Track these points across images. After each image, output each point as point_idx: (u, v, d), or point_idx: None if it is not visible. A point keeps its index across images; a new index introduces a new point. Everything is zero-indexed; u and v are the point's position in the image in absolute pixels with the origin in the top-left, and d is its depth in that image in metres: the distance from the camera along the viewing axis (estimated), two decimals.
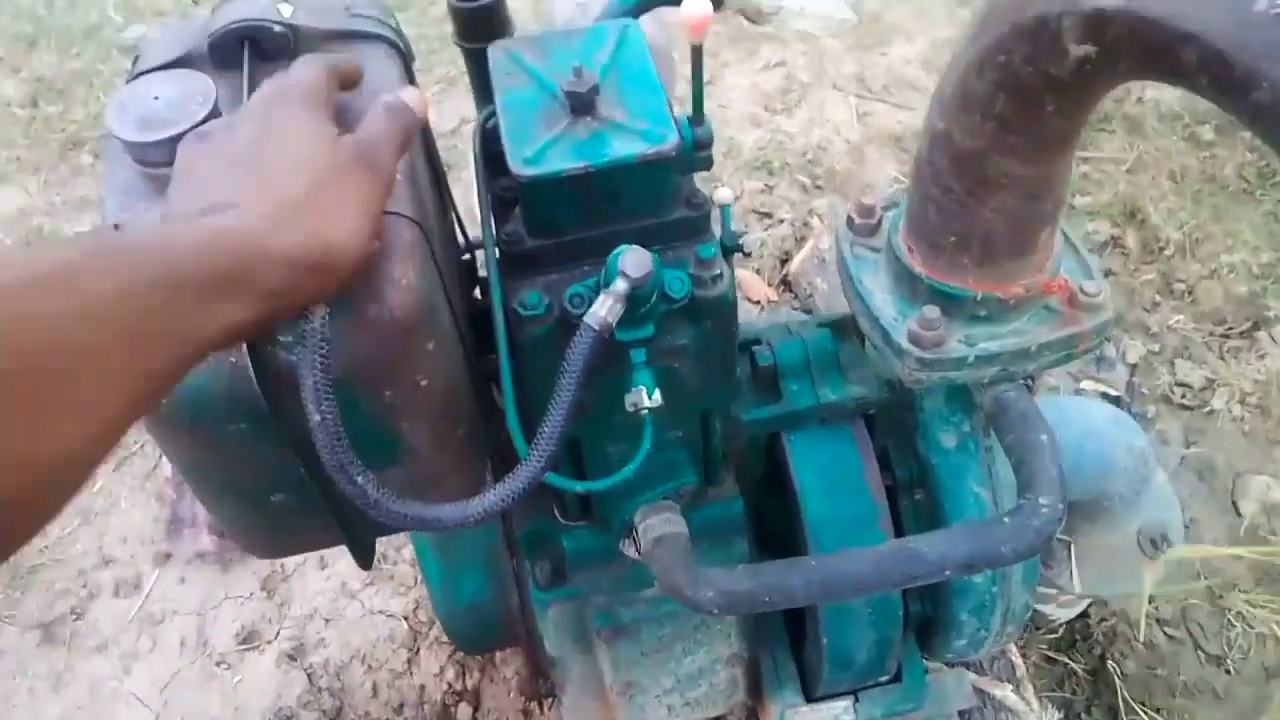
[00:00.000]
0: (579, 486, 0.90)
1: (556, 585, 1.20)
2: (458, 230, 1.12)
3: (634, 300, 0.83)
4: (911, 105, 2.69)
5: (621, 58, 0.96)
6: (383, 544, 1.98)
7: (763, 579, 0.99)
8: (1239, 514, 2.12)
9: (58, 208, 2.67)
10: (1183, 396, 2.27)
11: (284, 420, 0.75)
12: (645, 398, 0.87)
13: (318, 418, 0.68)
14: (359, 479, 0.70)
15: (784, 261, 2.32)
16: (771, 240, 2.34)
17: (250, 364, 0.71)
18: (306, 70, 0.70)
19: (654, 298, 0.86)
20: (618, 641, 1.22)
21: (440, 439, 0.84)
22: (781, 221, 2.40)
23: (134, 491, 2.12)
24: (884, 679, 1.31)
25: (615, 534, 1.11)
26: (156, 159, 0.77)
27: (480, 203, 1.00)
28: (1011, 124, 0.88)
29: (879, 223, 1.16)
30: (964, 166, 0.95)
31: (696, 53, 0.88)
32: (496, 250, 0.95)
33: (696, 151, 0.94)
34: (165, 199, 0.66)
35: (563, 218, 0.92)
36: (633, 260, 0.78)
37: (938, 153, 0.96)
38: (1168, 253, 2.48)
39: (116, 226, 0.77)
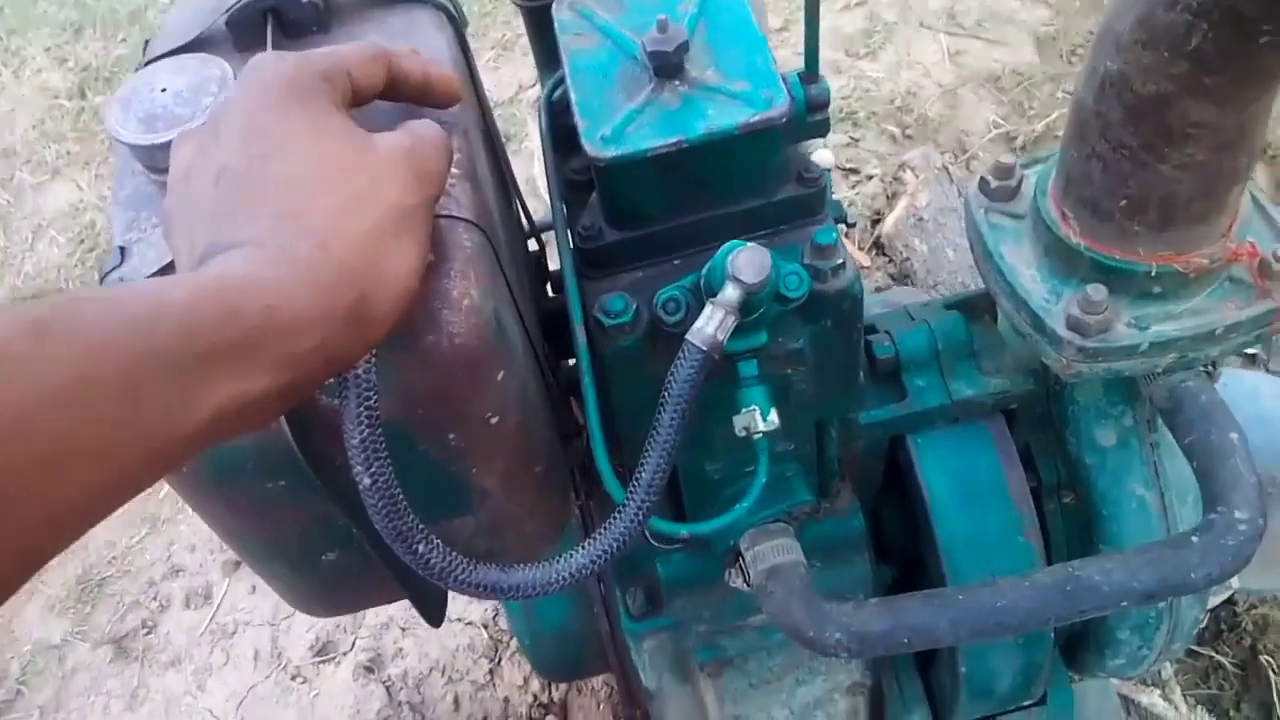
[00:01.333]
0: (684, 530, 0.75)
1: (651, 615, 1.06)
2: (522, 216, 0.97)
3: (745, 308, 0.67)
4: (1008, 41, 2.45)
5: (711, 5, 0.79)
6: None
7: (901, 618, 0.84)
8: None
9: (110, 203, 2.59)
10: None
11: (328, 475, 0.62)
12: (759, 420, 0.72)
13: (368, 480, 0.54)
14: (421, 547, 0.57)
15: (875, 222, 2.13)
16: (860, 199, 2.15)
17: (285, 419, 0.58)
18: (324, 53, 0.54)
19: (767, 301, 0.71)
20: (723, 675, 1.08)
21: (516, 480, 0.70)
22: (870, 178, 2.20)
23: None
24: (1026, 703, 1.15)
25: (719, 563, 0.96)
26: (168, 164, 0.63)
27: (550, 191, 0.85)
28: (1211, 61, 0.70)
29: (1019, 184, 0.98)
30: (1143, 115, 0.77)
31: None
32: (570, 247, 0.81)
33: (810, 115, 0.78)
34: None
35: (649, 205, 0.77)
36: (748, 263, 0.62)
37: (1108, 100, 0.78)
38: None
39: (123, 251, 0.63)
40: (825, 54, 2.47)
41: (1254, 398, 1.23)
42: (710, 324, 0.62)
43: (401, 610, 1.82)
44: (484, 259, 0.62)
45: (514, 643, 1.72)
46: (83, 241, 2.51)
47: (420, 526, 0.57)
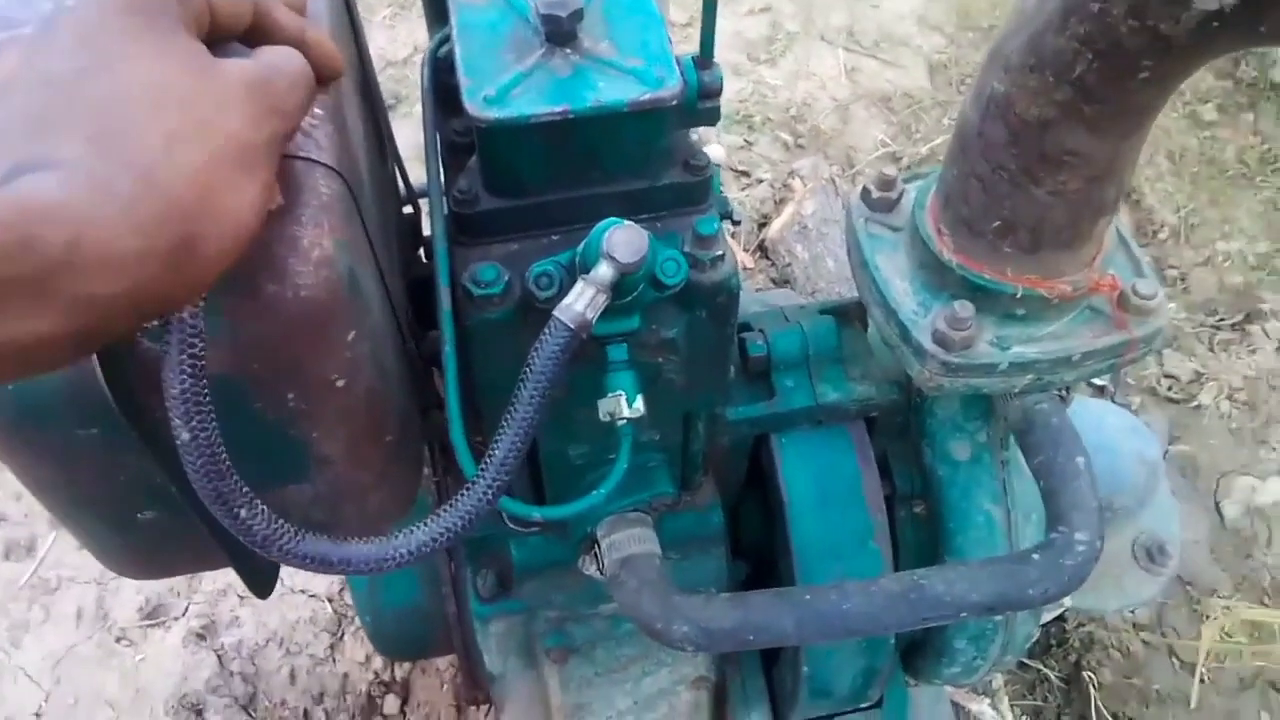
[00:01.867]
0: (537, 514, 0.73)
1: (501, 598, 1.03)
2: (399, 179, 0.93)
3: (618, 288, 0.65)
4: (902, 63, 2.51)
5: None
6: None
7: (749, 614, 0.84)
8: (1221, 515, 2.02)
9: None
10: (1170, 389, 2.16)
11: (146, 426, 0.57)
12: (625, 406, 0.70)
13: (187, 435, 0.50)
14: (243, 511, 0.52)
15: (761, 225, 2.14)
16: (750, 201, 2.16)
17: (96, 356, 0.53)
18: None
19: (641, 284, 0.69)
20: (569, 662, 1.06)
21: (361, 449, 0.66)
22: (760, 182, 2.22)
23: None
24: (864, 705, 1.18)
25: (574, 548, 0.94)
26: None
27: (427, 150, 0.81)
28: (1092, 90, 0.71)
29: (899, 197, 0.99)
30: (1024, 138, 0.78)
31: None
32: (445, 210, 0.77)
33: (701, 101, 0.76)
34: None
35: (530, 174, 0.74)
36: (624, 241, 0.60)
37: (992, 121, 0.79)
38: (1162, 236, 2.36)
39: None
40: (727, 56, 2.47)
41: (1099, 427, 1.28)
42: (580, 301, 0.60)
43: None
44: (342, 208, 0.58)
45: (359, 618, 1.66)
46: None
47: (244, 489, 0.53)
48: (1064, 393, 0.95)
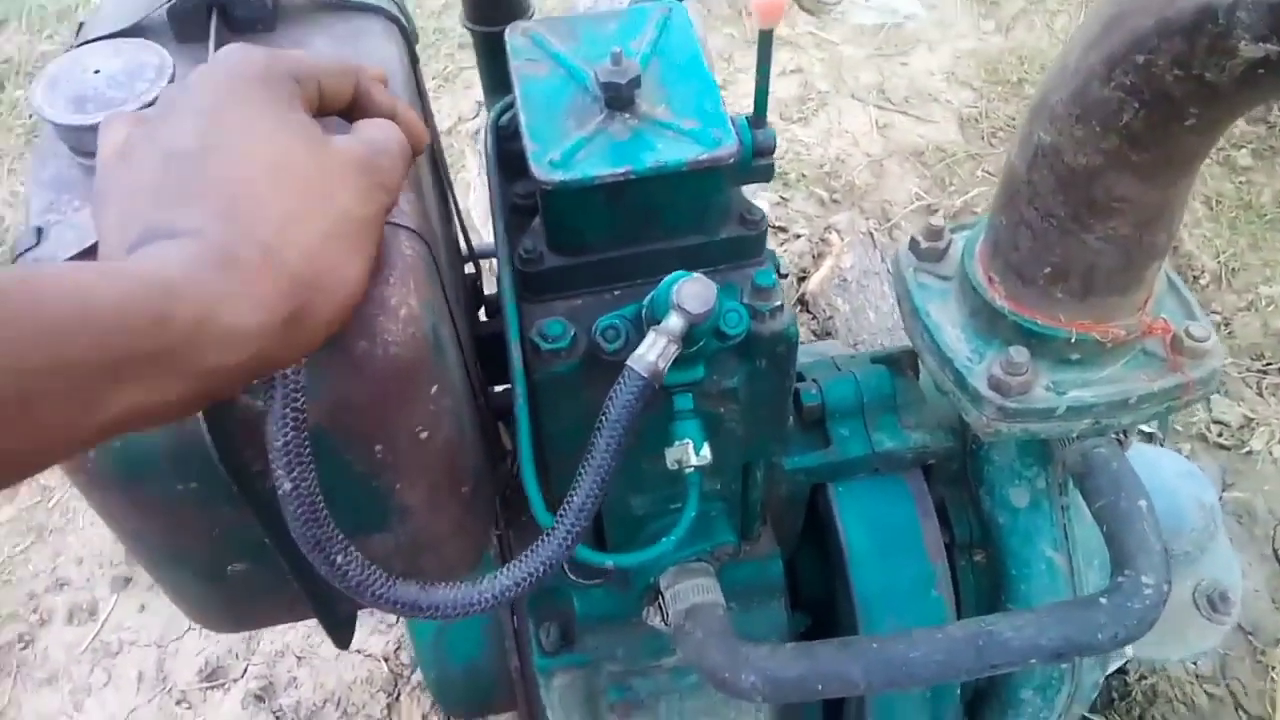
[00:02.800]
0: (608, 561, 0.75)
1: (564, 651, 1.04)
2: (460, 238, 0.97)
3: (687, 338, 0.67)
4: (933, 118, 2.55)
5: (665, 44, 0.81)
6: None
7: (816, 664, 0.84)
8: None
9: (21, 199, 2.49)
10: (1220, 435, 2.13)
11: (244, 479, 0.60)
12: (692, 454, 0.72)
13: (289, 486, 0.53)
14: (339, 559, 0.55)
15: (801, 279, 2.17)
16: (788, 256, 2.19)
17: (202, 413, 0.55)
18: (298, 55, 0.52)
19: (707, 335, 0.71)
20: (632, 717, 1.06)
21: (440, 499, 0.69)
22: (798, 237, 2.25)
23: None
24: None
25: (636, 599, 0.95)
26: (95, 148, 0.61)
27: (493, 213, 0.85)
28: (1139, 138, 0.73)
29: (947, 247, 1.01)
30: (1072, 187, 0.80)
31: (765, 40, 0.73)
32: (511, 270, 0.80)
33: (756, 159, 0.79)
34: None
35: (593, 233, 0.77)
36: (694, 294, 0.62)
37: (1040, 170, 0.81)
38: (1203, 282, 2.35)
39: (39, 231, 0.60)
40: None
41: (1154, 472, 1.28)
42: (652, 351, 0.62)
43: (299, 638, 1.75)
44: (424, 269, 0.61)
45: (415, 678, 1.67)
46: None
47: (340, 537, 0.55)
48: (1122, 436, 0.96)
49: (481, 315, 1.03)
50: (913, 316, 0.98)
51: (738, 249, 0.80)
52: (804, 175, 2.41)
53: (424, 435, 0.63)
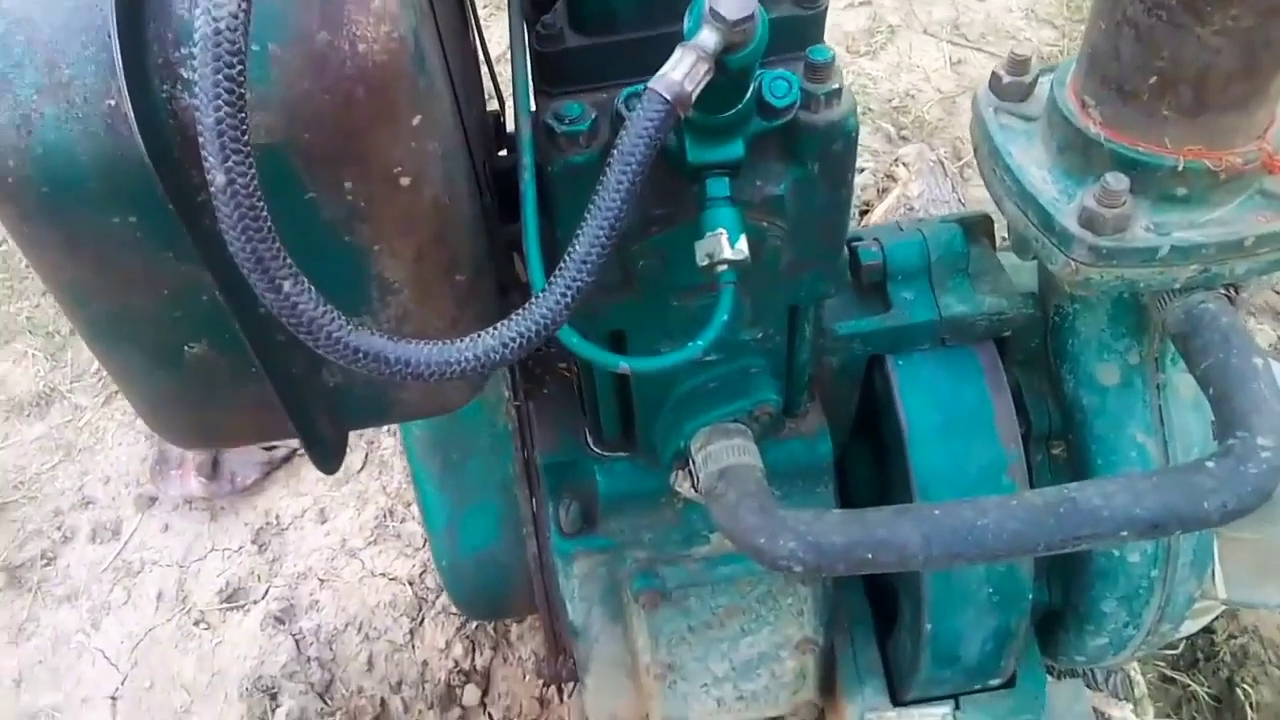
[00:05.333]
0: (621, 362, 0.64)
1: (585, 532, 0.94)
2: (480, 55, 0.87)
3: (719, 93, 0.56)
4: None
5: None
6: (390, 498, 1.73)
7: (867, 529, 0.73)
8: None
9: None
10: None
11: (188, 208, 0.50)
12: (726, 246, 0.61)
13: (222, 178, 0.43)
14: (287, 284, 0.45)
15: (864, 213, 2.04)
16: None
17: (130, 109, 0.46)
18: None
19: (748, 95, 0.60)
20: (659, 610, 0.96)
21: (428, 279, 0.59)
22: (862, 170, 2.12)
23: (123, 428, 1.90)
24: (994, 682, 1.03)
25: (665, 464, 0.85)
26: None
27: (510, 7, 0.75)
28: None
29: (1033, 84, 0.89)
30: None
31: None
32: (527, 52, 0.70)
33: None
34: None
35: (621, 3, 0.66)
36: None
37: None
38: None
39: None
40: None
41: None
42: (678, 69, 0.52)
43: (323, 560, 1.68)
44: None
45: (439, 601, 1.58)
46: None
47: (287, 260, 0.45)
48: (1232, 292, 0.83)
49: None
50: (992, 158, 0.86)
51: (793, 32, 0.69)
52: (870, 109, 2.28)
53: (405, 181, 0.53)
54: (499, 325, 0.50)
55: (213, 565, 1.72)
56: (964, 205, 1.96)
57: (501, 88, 0.96)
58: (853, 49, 2.41)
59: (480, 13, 2.63)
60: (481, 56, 0.86)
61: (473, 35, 0.84)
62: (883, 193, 2.09)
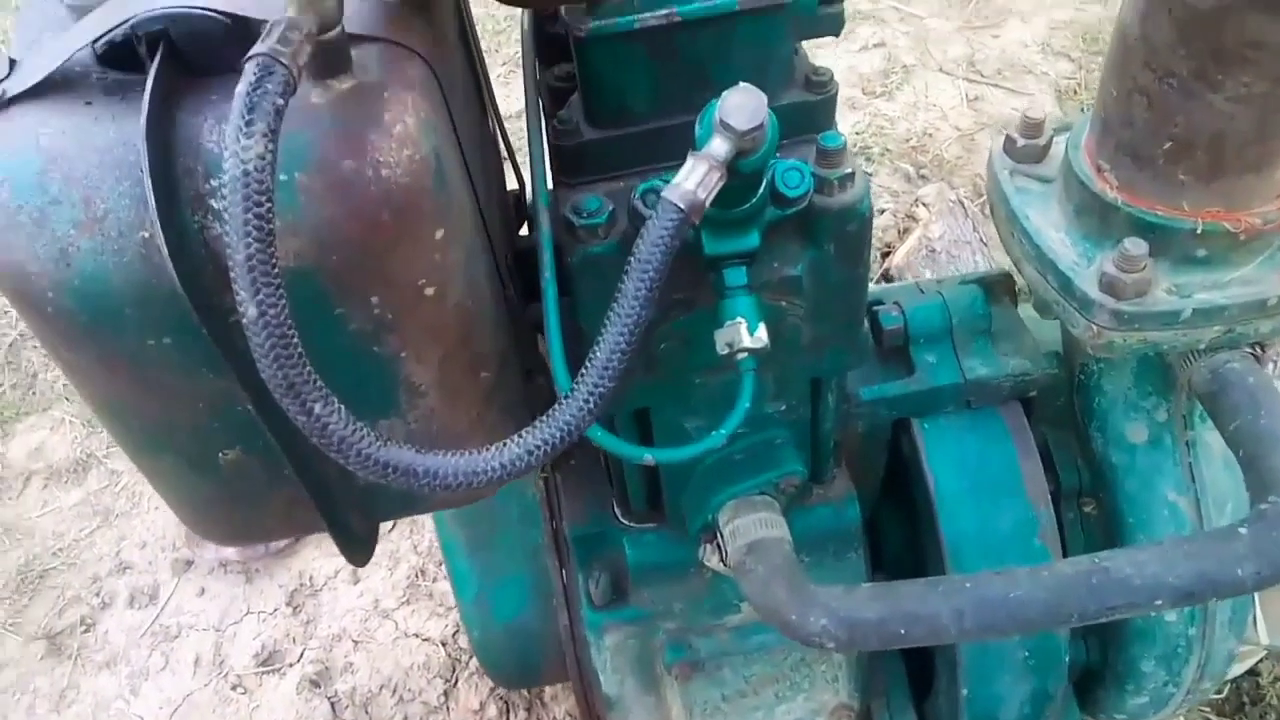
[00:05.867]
0: (646, 455, 0.64)
1: (615, 604, 0.94)
2: (500, 139, 0.89)
3: (733, 192, 0.57)
4: (1028, 91, 2.40)
5: None
6: (421, 557, 1.74)
7: (898, 603, 0.73)
8: None
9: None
10: None
11: (220, 329, 0.52)
12: (745, 334, 0.62)
13: (254, 311, 0.44)
14: (317, 407, 0.46)
15: (885, 255, 2.04)
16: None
17: (163, 240, 0.48)
18: None
19: (762, 189, 0.61)
20: (693, 681, 0.95)
21: (454, 381, 0.60)
22: (882, 212, 2.12)
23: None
24: None
25: (693, 538, 0.85)
26: None
27: (526, 92, 0.77)
28: None
29: (1048, 145, 0.89)
30: (1196, 33, 0.68)
31: None
32: (545, 145, 0.72)
33: (822, 5, 0.69)
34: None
35: (634, 96, 0.68)
36: (739, 105, 0.53)
37: (1156, 19, 0.70)
38: None
39: (12, 63, 0.54)
40: (842, 91, 2.40)
41: None
42: (690, 179, 0.53)
43: (356, 621, 1.69)
44: (427, 90, 0.53)
45: (473, 663, 1.58)
46: None
47: (317, 382, 0.46)
48: (1259, 350, 0.82)
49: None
50: (1009, 222, 0.86)
51: (802, 118, 0.70)
52: (888, 150, 2.29)
53: (429, 291, 0.54)
54: (525, 433, 0.51)
55: (249, 628, 1.73)
56: (985, 244, 1.95)
57: (518, 163, 0.97)
58: (869, 90, 2.42)
59: (499, 69, 2.64)
60: (500, 137, 0.87)
61: (491, 121, 0.85)
62: (904, 234, 2.09)
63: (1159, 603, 0.71)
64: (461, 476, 0.49)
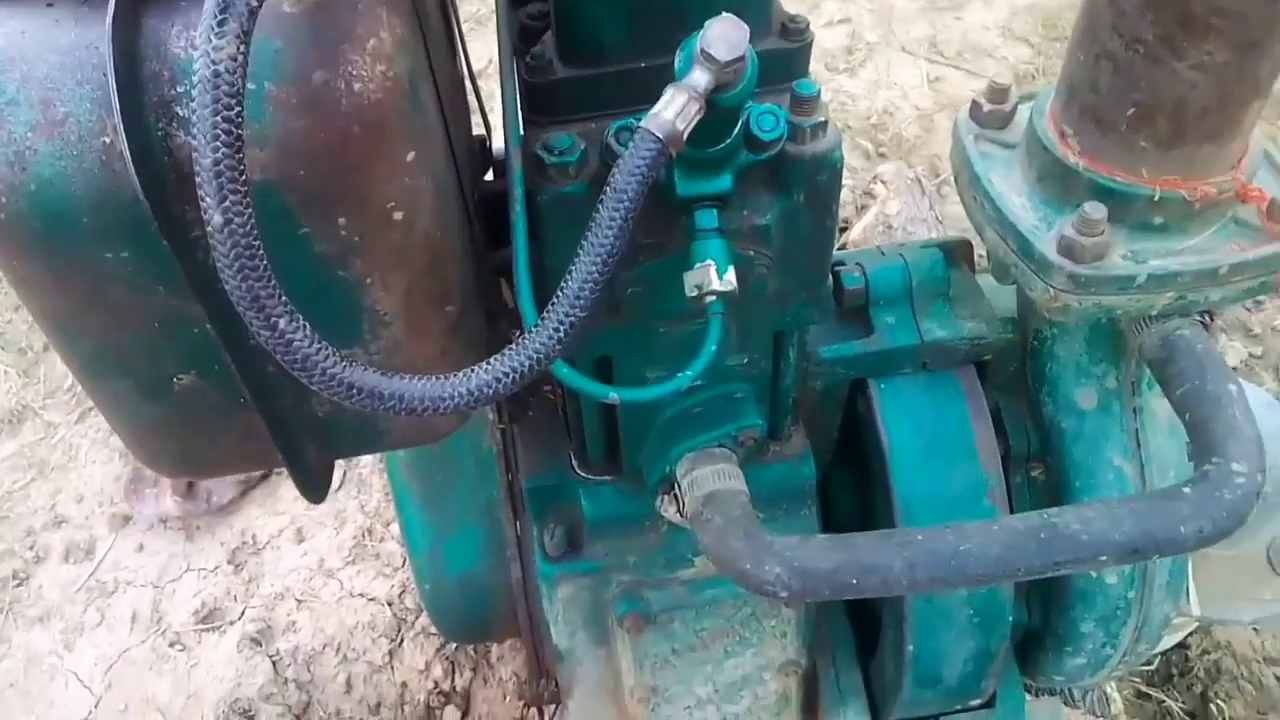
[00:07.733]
0: (611, 393, 0.64)
1: (569, 556, 0.94)
2: (468, 81, 0.87)
3: (709, 128, 0.57)
4: (987, 73, 2.43)
5: None
6: (369, 517, 1.72)
7: (852, 554, 0.73)
8: None
9: None
10: None
11: (181, 242, 0.50)
12: (714, 277, 0.62)
13: (219, 218, 0.43)
14: (282, 321, 0.45)
15: (842, 230, 2.06)
16: None
17: (126, 145, 0.46)
18: None
19: (737, 129, 0.61)
20: (644, 634, 0.96)
21: (419, 311, 0.59)
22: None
23: (96, 446, 1.88)
24: (975, 703, 1.04)
25: (651, 489, 0.85)
26: None
27: (500, 41, 0.75)
28: None
29: (1013, 111, 0.90)
30: (1164, 1, 0.69)
31: None
32: (516, 84, 0.70)
33: None
34: None
35: (609, 35, 0.67)
36: (721, 35, 0.52)
37: None
38: None
39: None
40: None
41: (1271, 409, 1.15)
42: (669, 109, 0.52)
43: (300, 580, 1.67)
44: (404, 13, 0.51)
45: (420, 622, 1.57)
46: None
47: (282, 297, 0.45)
48: (1207, 319, 0.84)
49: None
50: (972, 185, 0.87)
51: (778, 65, 0.69)
52: (849, 126, 2.31)
53: (398, 216, 0.53)
54: (493, 360, 0.50)
55: (188, 585, 1.70)
56: (941, 223, 1.98)
57: (486, 110, 0.96)
58: (831, 66, 2.43)
59: (463, 26, 2.60)
60: (469, 82, 0.86)
61: (459, 60, 0.84)
62: (861, 210, 2.11)
63: (1104, 558, 0.73)
64: (428, 401, 0.49)
